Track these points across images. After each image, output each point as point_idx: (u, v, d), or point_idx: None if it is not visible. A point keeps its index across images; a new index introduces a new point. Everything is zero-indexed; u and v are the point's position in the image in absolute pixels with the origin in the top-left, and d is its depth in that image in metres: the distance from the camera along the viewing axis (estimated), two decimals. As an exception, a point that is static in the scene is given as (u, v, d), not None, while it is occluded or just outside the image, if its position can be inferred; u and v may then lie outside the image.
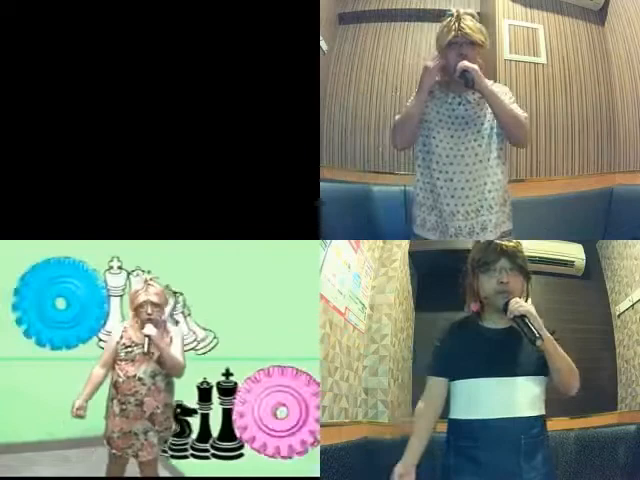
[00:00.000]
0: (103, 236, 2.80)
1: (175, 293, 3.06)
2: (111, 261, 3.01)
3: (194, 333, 3.11)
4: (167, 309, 2.90)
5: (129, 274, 3.01)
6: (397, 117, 2.56)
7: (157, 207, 2.79)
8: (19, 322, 3.03)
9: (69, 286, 3.07)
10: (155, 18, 2.75)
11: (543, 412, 1.86)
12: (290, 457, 3.00)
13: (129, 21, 2.74)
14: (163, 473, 2.84)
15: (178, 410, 2.89)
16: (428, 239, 2.60)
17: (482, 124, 2.49)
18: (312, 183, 2.82)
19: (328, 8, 3.53)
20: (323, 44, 3.38)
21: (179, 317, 3.10)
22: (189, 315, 3.11)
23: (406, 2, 3.80)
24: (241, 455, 2.98)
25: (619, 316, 3.94)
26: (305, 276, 3.15)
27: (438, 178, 2.50)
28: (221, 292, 3.19)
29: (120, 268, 3.02)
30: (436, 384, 1.94)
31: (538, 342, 1.75)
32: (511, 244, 1.92)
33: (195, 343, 3.10)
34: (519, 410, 1.81)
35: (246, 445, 2.99)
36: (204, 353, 3.09)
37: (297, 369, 3.04)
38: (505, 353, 1.84)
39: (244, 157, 2.80)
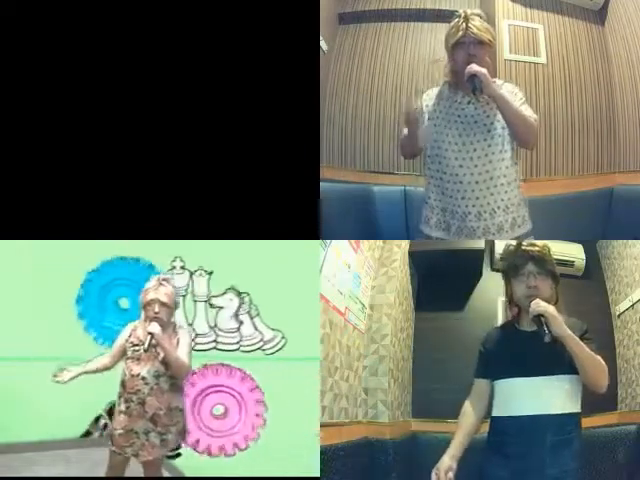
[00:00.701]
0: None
1: (241, 294, 3.10)
2: (174, 261, 3.10)
3: (261, 333, 3.12)
4: (232, 306, 2.90)
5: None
6: (403, 132, 2.54)
7: (156, 207, 2.79)
8: (81, 317, 3.11)
9: (132, 287, 3.08)
10: (155, 18, 2.75)
11: (576, 410, 1.94)
12: (234, 454, 3.08)
13: (129, 21, 2.74)
14: (163, 473, 2.85)
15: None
16: (444, 239, 2.59)
17: (492, 123, 2.45)
18: (312, 183, 2.82)
19: (328, 8, 3.53)
20: (323, 44, 3.38)
21: (245, 317, 3.12)
22: (257, 315, 3.13)
23: (406, 2, 3.80)
24: (179, 455, 2.97)
25: (619, 316, 3.94)
26: (305, 276, 3.15)
27: (448, 181, 2.48)
28: (221, 291, 3.20)
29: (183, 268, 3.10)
30: (479, 385, 2.06)
31: (546, 338, 1.83)
32: (538, 248, 2.00)
33: (261, 343, 3.13)
34: (547, 407, 1.88)
35: (190, 449, 3.03)
36: (272, 353, 3.14)
37: (232, 367, 3.09)
38: (538, 354, 1.90)
39: (244, 157, 2.80)
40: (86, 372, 2.37)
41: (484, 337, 2.10)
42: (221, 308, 3.16)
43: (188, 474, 3.04)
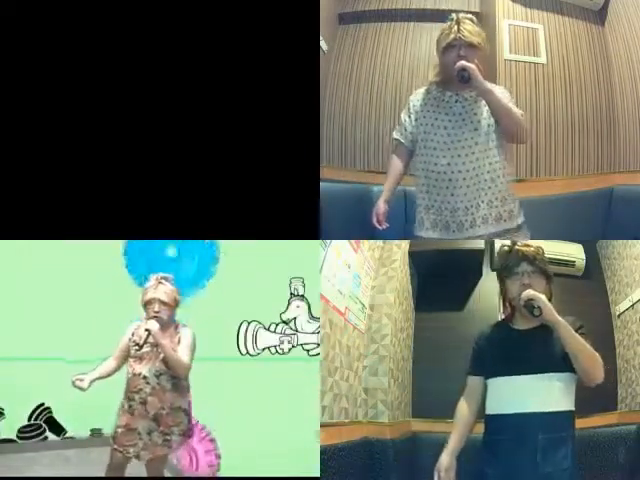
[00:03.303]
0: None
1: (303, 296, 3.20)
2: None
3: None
4: None
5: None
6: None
7: (156, 207, 2.79)
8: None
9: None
10: (155, 18, 2.75)
11: (570, 408, 1.93)
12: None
13: (129, 21, 2.74)
14: (163, 473, 2.84)
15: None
16: (430, 238, 2.63)
17: (479, 121, 2.51)
18: (312, 183, 2.82)
19: (328, 8, 3.53)
20: (323, 44, 3.38)
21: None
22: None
23: (406, 2, 3.80)
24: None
25: (619, 316, 3.94)
26: (305, 276, 3.15)
27: (436, 179, 2.53)
28: (221, 291, 3.20)
29: None
30: (473, 382, 2.08)
31: (536, 312, 1.86)
32: (532, 249, 2.01)
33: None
34: (538, 405, 1.88)
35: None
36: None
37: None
38: (530, 352, 1.92)
39: (244, 157, 2.80)
40: (100, 377, 2.35)
41: (477, 334, 2.12)
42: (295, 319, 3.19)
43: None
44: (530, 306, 1.88)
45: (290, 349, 3.21)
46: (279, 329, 3.21)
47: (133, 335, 2.39)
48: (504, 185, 2.56)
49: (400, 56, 3.78)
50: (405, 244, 3.86)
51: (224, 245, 3.03)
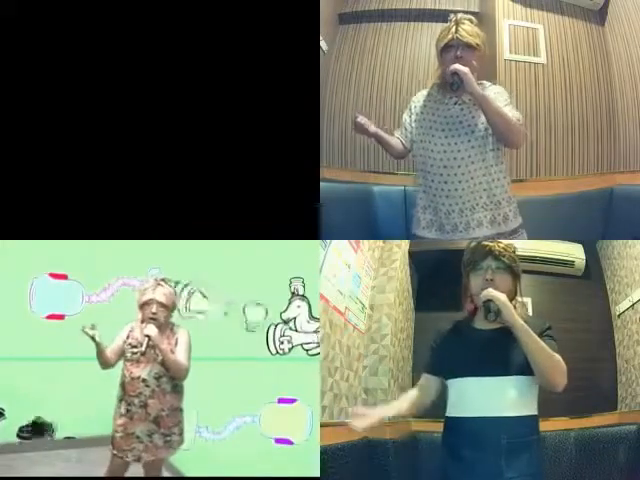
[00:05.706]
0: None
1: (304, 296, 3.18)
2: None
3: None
4: None
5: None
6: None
7: (157, 207, 2.79)
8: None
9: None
10: (155, 18, 2.75)
11: (533, 412, 1.87)
12: None
13: (129, 21, 2.74)
14: (162, 473, 2.85)
15: None
16: (426, 238, 2.63)
17: (476, 125, 2.50)
18: (312, 183, 2.82)
19: (328, 8, 3.52)
20: (323, 44, 3.38)
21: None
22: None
23: (406, 2, 3.80)
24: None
25: (619, 316, 3.94)
26: (305, 276, 3.15)
27: (432, 180, 2.55)
28: (222, 291, 3.20)
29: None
30: (428, 380, 2.01)
31: (490, 317, 1.80)
32: (501, 245, 1.95)
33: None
34: (501, 409, 1.83)
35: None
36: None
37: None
38: (492, 353, 1.86)
39: (244, 157, 2.80)
40: (102, 347, 2.28)
41: (435, 333, 2.03)
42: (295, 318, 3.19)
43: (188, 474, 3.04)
44: (487, 308, 1.81)
45: (290, 349, 3.21)
46: (279, 329, 3.20)
47: (128, 337, 2.36)
48: (500, 189, 2.55)
49: (400, 56, 3.78)
50: (405, 244, 3.86)
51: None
